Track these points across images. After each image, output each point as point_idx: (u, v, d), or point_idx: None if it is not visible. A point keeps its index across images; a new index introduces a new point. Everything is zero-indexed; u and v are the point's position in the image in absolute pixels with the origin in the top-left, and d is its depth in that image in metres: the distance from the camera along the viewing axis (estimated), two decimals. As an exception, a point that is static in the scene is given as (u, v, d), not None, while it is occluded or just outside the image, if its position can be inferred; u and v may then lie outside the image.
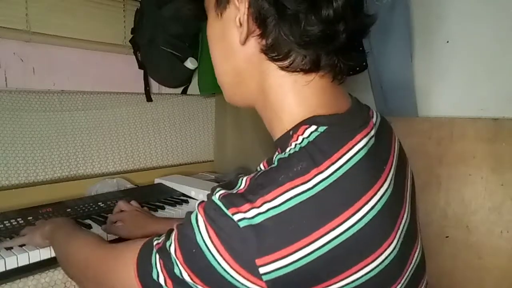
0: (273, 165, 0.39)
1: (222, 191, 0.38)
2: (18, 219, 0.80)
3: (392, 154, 0.46)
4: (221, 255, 0.35)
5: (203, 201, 0.39)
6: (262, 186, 0.36)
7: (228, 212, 0.35)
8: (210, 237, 0.36)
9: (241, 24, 0.41)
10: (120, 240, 0.78)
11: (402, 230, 0.42)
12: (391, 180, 0.42)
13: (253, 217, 0.34)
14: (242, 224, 0.34)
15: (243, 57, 0.44)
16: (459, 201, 0.88)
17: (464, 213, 0.87)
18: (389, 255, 0.38)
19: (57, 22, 1.03)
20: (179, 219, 0.82)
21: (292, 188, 0.35)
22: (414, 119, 0.96)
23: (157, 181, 1.20)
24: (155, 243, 0.42)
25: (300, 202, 0.35)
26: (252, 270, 0.34)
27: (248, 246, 0.34)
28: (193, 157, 1.44)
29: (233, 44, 0.44)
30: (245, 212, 0.35)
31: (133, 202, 0.87)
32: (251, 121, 1.32)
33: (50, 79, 1.04)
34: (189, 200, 1.04)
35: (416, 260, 0.46)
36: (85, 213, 0.88)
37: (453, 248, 0.89)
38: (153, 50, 1.16)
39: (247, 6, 0.40)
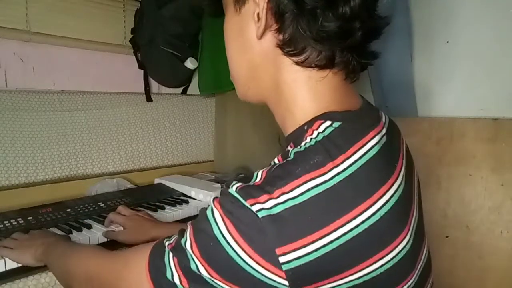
0: (289, 158, 0.39)
1: (239, 184, 0.38)
2: (18, 219, 0.80)
3: (401, 153, 0.47)
4: (240, 246, 0.35)
5: (217, 197, 0.39)
6: (279, 178, 0.37)
7: (246, 203, 0.35)
8: (228, 229, 0.36)
9: (259, 19, 0.42)
10: (117, 243, 0.77)
11: (413, 226, 0.43)
12: (402, 177, 0.43)
13: (271, 207, 0.35)
14: (261, 214, 0.35)
15: (259, 51, 0.45)
16: (459, 201, 0.88)
17: (464, 213, 0.87)
18: (402, 249, 0.39)
19: (57, 22, 1.03)
20: (181, 224, 0.82)
21: (309, 180, 0.36)
22: (414, 119, 0.95)
23: (157, 181, 1.20)
24: (166, 243, 0.42)
25: (317, 194, 0.35)
26: (272, 260, 0.35)
27: (268, 236, 0.34)
28: (193, 157, 1.44)
29: (250, 39, 0.44)
30: (264, 202, 0.35)
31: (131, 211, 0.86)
32: (251, 121, 1.32)
33: (50, 79, 1.04)
34: (189, 200, 1.04)
35: (424, 257, 0.46)
36: (85, 213, 0.88)
37: (453, 248, 0.89)
38: (153, 50, 1.16)
39: (266, 0, 0.41)
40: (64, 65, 1.06)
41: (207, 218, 0.38)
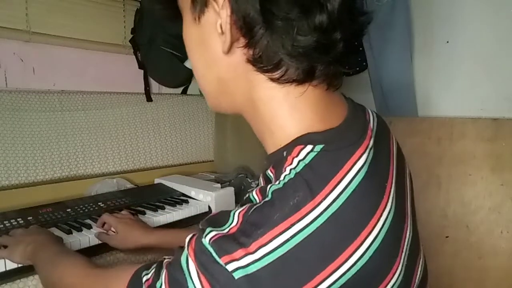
0: (267, 199, 0.35)
1: (213, 234, 0.34)
2: (18, 219, 0.80)
3: (391, 162, 0.44)
4: None
5: (193, 236, 0.36)
6: (256, 226, 0.33)
7: (221, 261, 0.32)
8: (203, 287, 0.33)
9: (222, 32, 0.37)
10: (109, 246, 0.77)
11: (406, 251, 0.39)
12: (393, 198, 0.39)
13: (247, 266, 0.32)
14: (236, 275, 0.31)
15: (227, 66, 0.39)
16: (459, 201, 0.88)
17: (464, 213, 0.87)
18: (394, 283, 0.36)
19: (57, 22, 1.03)
20: (174, 231, 0.79)
21: (289, 228, 0.32)
22: (414, 119, 0.96)
23: (157, 181, 1.20)
24: (144, 279, 0.39)
25: (298, 244, 0.32)
26: None
27: None
28: (193, 157, 1.44)
29: (215, 52, 0.39)
30: (239, 259, 0.32)
31: (124, 212, 0.86)
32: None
33: (50, 79, 1.04)
34: (189, 200, 1.04)
35: (419, 275, 0.43)
36: (85, 213, 0.88)
37: (453, 248, 0.89)
38: (153, 50, 1.16)
39: (229, 12, 0.35)
40: (64, 65, 1.06)
41: (182, 268, 0.35)
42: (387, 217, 0.36)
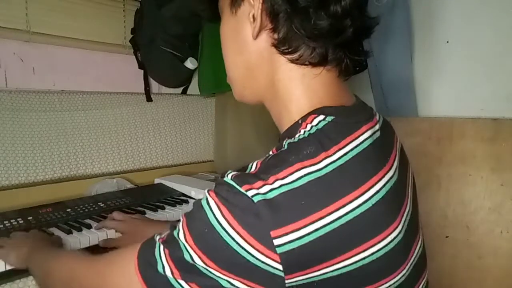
0: (283, 149, 0.40)
1: (234, 172, 0.39)
2: (18, 219, 0.80)
3: (394, 149, 0.48)
4: (235, 230, 0.36)
5: (211, 189, 0.40)
6: (274, 166, 0.38)
7: (242, 189, 0.36)
8: (223, 215, 0.36)
9: (254, 20, 0.44)
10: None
11: (406, 218, 0.43)
12: (395, 170, 0.44)
13: (266, 193, 0.36)
14: (256, 199, 0.36)
15: (255, 51, 0.46)
16: (459, 201, 0.88)
17: (464, 213, 0.87)
18: (394, 238, 0.40)
19: (57, 22, 1.03)
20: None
21: (302, 168, 0.37)
22: (414, 119, 0.96)
23: (157, 181, 1.20)
24: (157, 238, 0.42)
25: (310, 181, 0.37)
26: (267, 243, 0.35)
27: (263, 219, 0.35)
28: (193, 157, 1.44)
29: (246, 39, 0.46)
30: (258, 188, 0.36)
31: (114, 213, 0.85)
32: (251, 121, 1.32)
33: (50, 79, 1.04)
34: (189, 200, 1.04)
35: (418, 251, 0.47)
36: (85, 213, 0.88)
37: (453, 248, 0.89)
38: (153, 50, 1.16)
39: (261, 1, 0.43)
40: (64, 65, 1.06)
41: (202, 206, 0.39)
42: (388, 181, 0.41)
